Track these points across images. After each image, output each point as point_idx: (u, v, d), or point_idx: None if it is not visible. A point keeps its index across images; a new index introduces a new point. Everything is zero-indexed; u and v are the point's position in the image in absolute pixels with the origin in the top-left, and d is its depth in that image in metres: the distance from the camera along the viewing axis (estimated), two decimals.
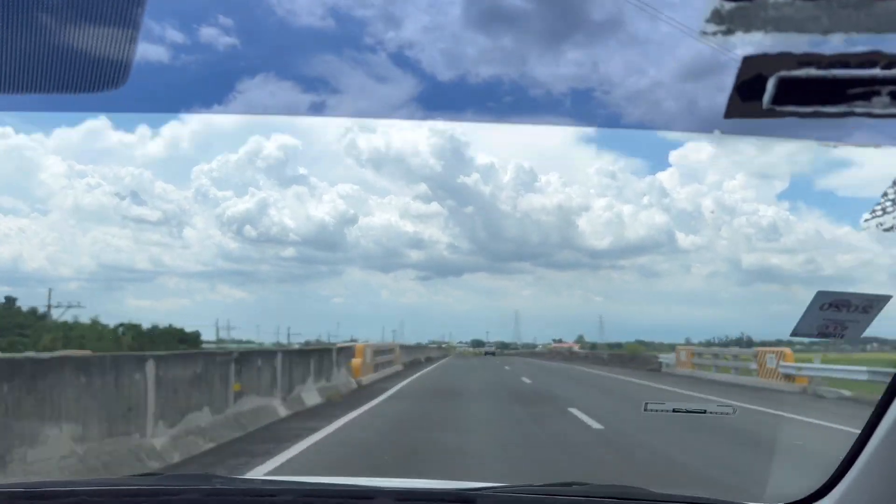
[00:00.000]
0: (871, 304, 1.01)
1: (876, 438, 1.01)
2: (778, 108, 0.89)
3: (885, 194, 0.89)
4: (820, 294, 1.04)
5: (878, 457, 1.01)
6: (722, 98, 0.89)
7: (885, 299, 1.00)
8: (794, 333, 1.06)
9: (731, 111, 0.92)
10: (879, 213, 0.90)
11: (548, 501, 1.27)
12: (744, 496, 1.26)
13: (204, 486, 1.35)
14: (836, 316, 1.03)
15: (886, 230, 0.91)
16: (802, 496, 1.19)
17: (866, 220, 0.91)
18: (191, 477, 1.64)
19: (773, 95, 0.88)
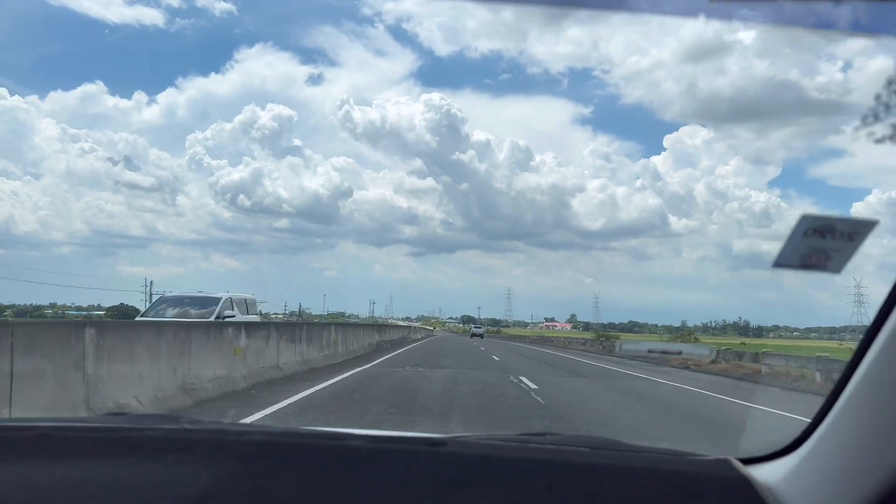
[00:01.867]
0: (857, 231, 0.97)
1: (844, 396, 1.02)
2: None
3: (878, 97, 0.85)
4: (804, 218, 1.01)
5: (845, 413, 1.02)
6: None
7: (870, 225, 0.97)
8: (776, 264, 1.03)
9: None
10: (871, 120, 0.86)
11: (520, 449, 1.28)
12: (715, 450, 1.27)
13: (169, 426, 1.35)
14: (821, 243, 0.99)
15: (878, 141, 0.87)
16: (772, 450, 1.20)
17: (856, 129, 0.87)
18: (158, 417, 1.65)
19: None
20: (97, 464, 1.13)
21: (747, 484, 1.10)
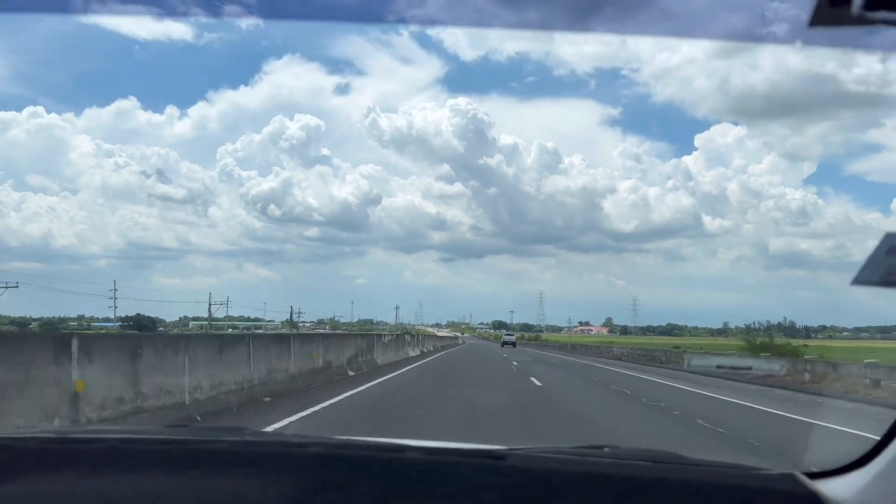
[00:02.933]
0: None
1: None
2: (869, 15, 0.83)
3: None
4: (889, 236, 0.99)
5: None
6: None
7: None
8: (855, 281, 1.01)
9: (818, 18, 0.86)
10: None
11: (578, 462, 1.28)
12: (781, 464, 1.24)
13: (234, 438, 1.41)
14: None
15: None
16: (840, 465, 1.18)
17: None
18: (221, 429, 1.71)
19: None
20: (167, 477, 1.17)
21: (815, 499, 1.09)
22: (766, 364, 20.25)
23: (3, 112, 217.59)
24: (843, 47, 0.97)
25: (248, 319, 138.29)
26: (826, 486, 1.14)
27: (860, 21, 0.84)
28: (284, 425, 8.01)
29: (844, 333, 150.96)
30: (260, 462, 1.21)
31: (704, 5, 1.18)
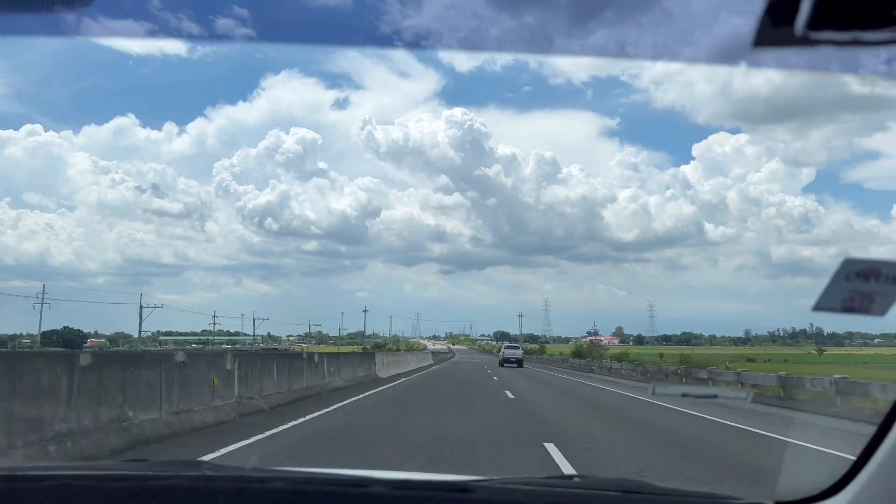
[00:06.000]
0: None
1: (892, 436, 1.04)
2: (813, 35, 0.88)
3: None
4: (847, 262, 1.06)
5: (893, 455, 1.04)
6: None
7: None
8: (816, 307, 1.08)
9: (761, 38, 0.91)
10: None
11: (547, 493, 1.32)
12: (754, 493, 1.30)
13: (192, 473, 1.43)
14: (864, 286, 1.04)
15: None
16: (814, 493, 1.23)
17: None
18: (179, 464, 1.73)
19: (808, 18, 0.86)
20: None
21: None
22: (731, 392, 20.69)
23: (1, 130, 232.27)
24: (789, 69, 1.04)
25: (228, 334, 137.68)
26: None
27: (804, 42, 0.91)
28: None
29: (877, 340, 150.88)
30: (217, 498, 1.25)
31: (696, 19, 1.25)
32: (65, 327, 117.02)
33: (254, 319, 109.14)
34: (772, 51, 0.94)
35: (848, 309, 1.05)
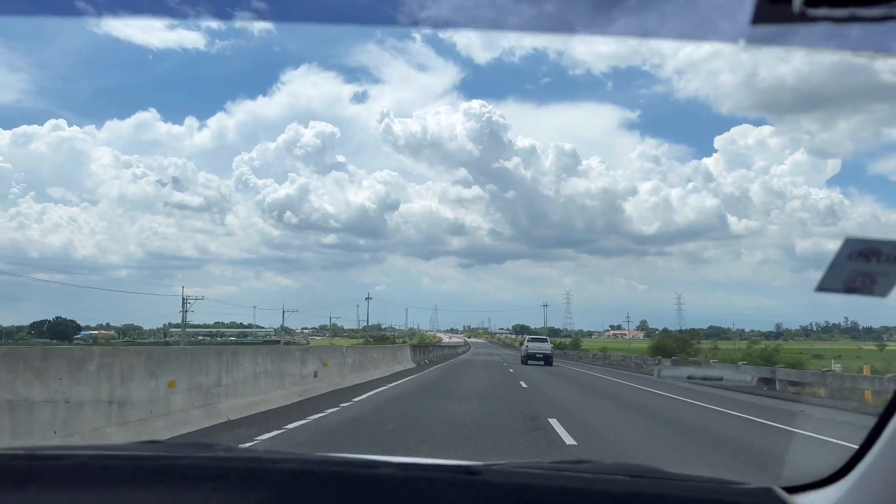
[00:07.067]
0: None
1: (893, 424, 1.06)
2: (810, 12, 0.90)
3: None
4: (848, 241, 1.07)
5: (894, 442, 1.06)
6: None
7: None
8: (819, 288, 1.09)
9: (759, 16, 0.93)
10: None
11: (554, 477, 1.34)
12: (759, 478, 1.33)
13: (205, 454, 1.49)
14: (866, 267, 1.05)
15: None
16: (818, 478, 1.25)
17: None
18: (193, 445, 1.79)
19: None
20: (135, 493, 1.26)
21: None
22: (736, 374, 20.80)
23: (26, 126, 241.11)
24: (786, 45, 1.05)
25: (241, 326, 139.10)
26: (804, 500, 1.21)
27: (802, 18, 0.92)
28: None
29: None
30: (229, 477, 1.29)
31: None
32: (56, 318, 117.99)
33: (283, 312, 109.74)
34: (769, 27, 0.96)
35: (850, 289, 1.07)
